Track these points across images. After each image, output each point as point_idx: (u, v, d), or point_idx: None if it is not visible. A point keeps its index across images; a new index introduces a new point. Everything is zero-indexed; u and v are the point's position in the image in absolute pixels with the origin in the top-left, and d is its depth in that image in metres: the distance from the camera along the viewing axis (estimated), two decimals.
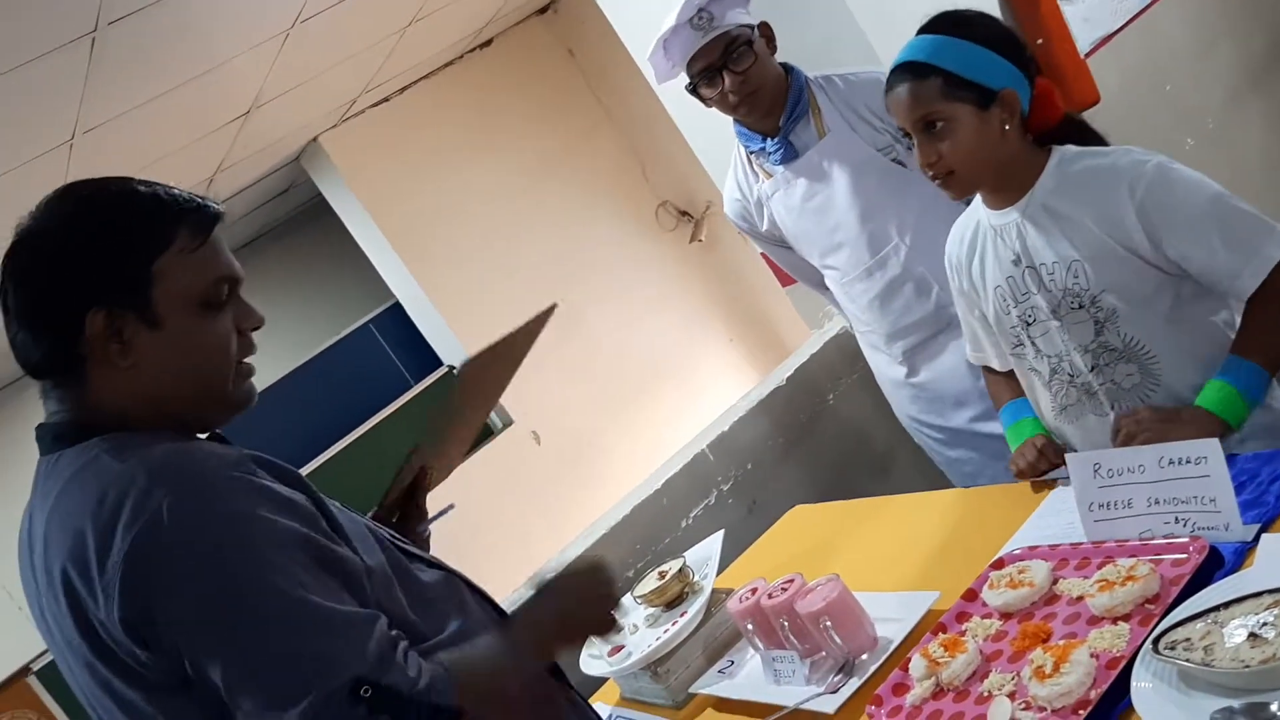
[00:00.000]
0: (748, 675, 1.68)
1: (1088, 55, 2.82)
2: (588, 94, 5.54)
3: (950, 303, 1.87)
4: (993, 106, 1.53)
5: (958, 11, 1.59)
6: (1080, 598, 1.33)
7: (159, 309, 1.11)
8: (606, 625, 1.28)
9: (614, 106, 5.51)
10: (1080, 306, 1.58)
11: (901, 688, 1.37)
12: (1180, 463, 1.33)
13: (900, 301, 2.22)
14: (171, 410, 1.13)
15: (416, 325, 5.36)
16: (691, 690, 1.74)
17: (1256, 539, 1.28)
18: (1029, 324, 1.65)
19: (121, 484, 1.03)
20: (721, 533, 2.00)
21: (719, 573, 1.94)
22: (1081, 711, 1.14)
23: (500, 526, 4.71)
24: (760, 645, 1.62)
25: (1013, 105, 1.54)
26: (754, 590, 1.65)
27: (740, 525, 2.50)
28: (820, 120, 2.17)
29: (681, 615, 1.81)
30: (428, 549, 1.41)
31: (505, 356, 1.40)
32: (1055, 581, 1.40)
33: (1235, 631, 1.06)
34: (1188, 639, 1.10)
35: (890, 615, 1.55)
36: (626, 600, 2.00)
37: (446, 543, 1.52)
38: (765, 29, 2.15)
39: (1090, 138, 1.63)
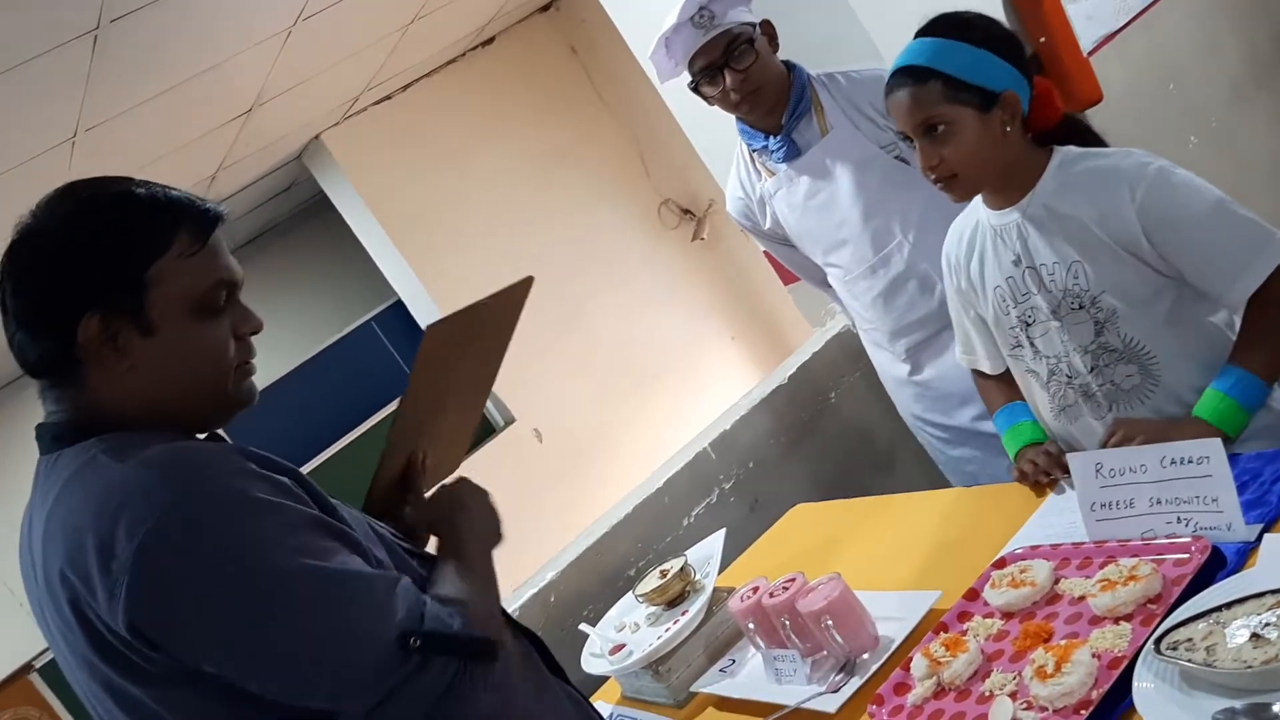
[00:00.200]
0: (749, 674, 1.67)
1: (1091, 53, 2.81)
2: (590, 92, 5.53)
3: None
4: (994, 109, 1.52)
5: (957, 13, 1.59)
6: (1082, 597, 1.33)
7: (154, 314, 1.10)
8: (500, 528, 1.33)
9: (616, 104, 5.51)
10: (1080, 307, 1.58)
11: (903, 687, 1.37)
12: (1182, 462, 1.33)
13: (903, 299, 2.22)
14: (169, 412, 1.13)
15: (419, 323, 5.36)
16: (693, 689, 1.74)
17: (1259, 539, 1.27)
18: (1028, 324, 1.65)
19: (122, 485, 1.03)
20: (723, 531, 2.00)
21: (720, 571, 1.94)
22: (1083, 711, 1.14)
23: (502, 524, 4.71)
24: (761, 644, 1.62)
25: (1014, 107, 1.53)
26: (755, 589, 1.65)
27: (742, 524, 2.50)
28: (823, 118, 2.17)
29: (683, 614, 1.81)
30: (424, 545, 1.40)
31: (482, 328, 1.35)
32: (1057, 581, 1.39)
33: (1237, 632, 1.06)
34: (1190, 639, 1.09)
35: (892, 614, 1.55)
36: (628, 599, 2.00)
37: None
38: (767, 27, 2.15)
39: (1090, 138, 1.63)
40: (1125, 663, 1.16)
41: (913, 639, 1.48)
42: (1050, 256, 1.57)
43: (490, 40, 5.27)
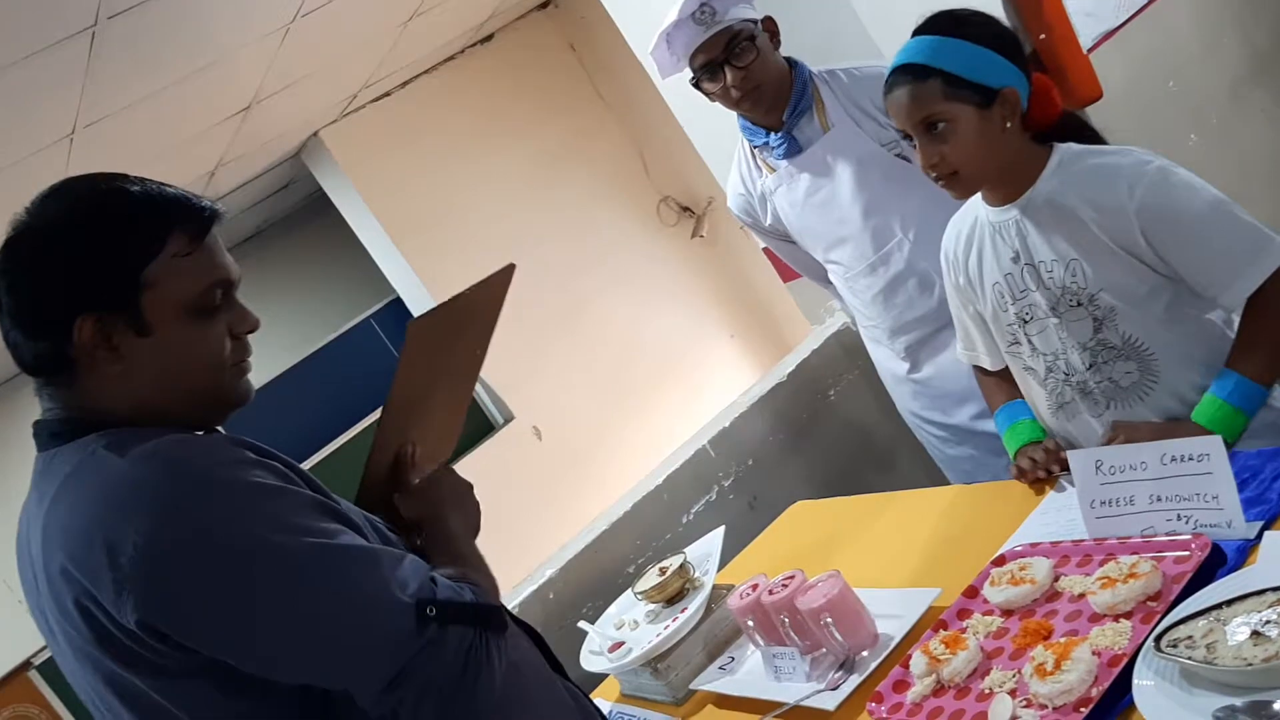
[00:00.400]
0: (748, 672, 1.67)
1: (1090, 50, 2.81)
2: (589, 89, 5.53)
3: None
4: (993, 105, 1.52)
5: (955, 11, 1.58)
6: (1082, 595, 1.33)
7: (149, 315, 1.09)
8: (477, 518, 1.33)
9: (616, 102, 5.51)
10: (1079, 304, 1.57)
11: (902, 685, 1.37)
12: (1183, 460, 1.33)
13: (903, 297, 2.21)
14: (164, 410, 1.12)
15: None
16: (692, 687, 1.74)
17: (1259, 536, 1.27)
18: (1026, 321, 1.65)
19: (124, 480, 1.03)
20: (722, 529, 2.00)
21: (720, 569, 1.94)
22: (1083, 709, 1.14)
23: (501, 522, 4.69)
24: (761, 642, 1.62)
25: (1013, 103, 1.53)
26: (755, 586, 1.64)
27: (741, 521, 2.50)
28: (824, 115, 2.17)
29: (682, 612, 1.81)
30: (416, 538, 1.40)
31: (466, 319, 1.35)
32: (1057, 579, 1.39)
33: (1238, 629, 1.06)
34: (1190, 637, 1.09)
35: (891, 612, 1.55)
36: (627, 596, 2.00)
37: None
38: (769, 24, 2.14)
39: (1088, 135, 1.63)
40: (1125, 660, 1.16)
41: (912, 636, 1.48)
42: (1048, 254, 1.57)
43: (489, 37, 5.27)
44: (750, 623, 1.63)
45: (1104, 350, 1.59)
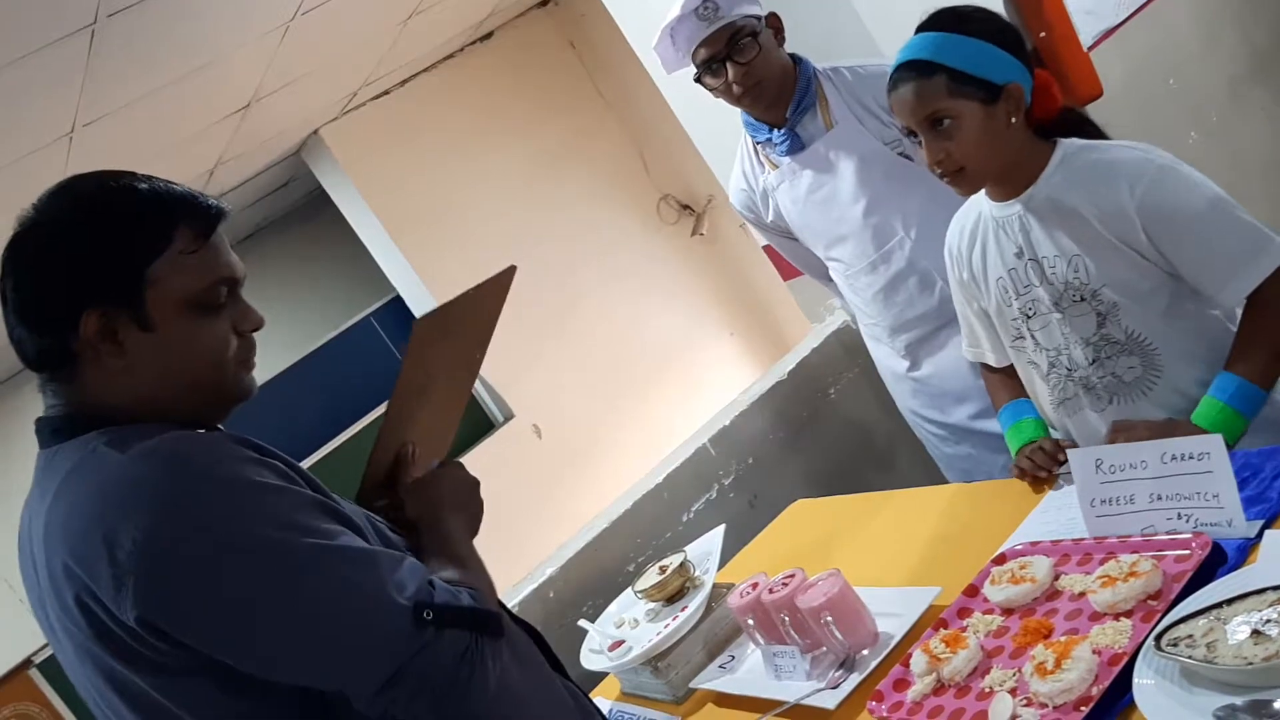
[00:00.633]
0: (749, 670, 1.67)
1: (1091, 48, 2.81)
2: (589, 87, 5.52)
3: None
4: (998, 101, 1.52)
5: (958, 7, 1.58)
6: (1082, 594, 1.33)
7: (154, 312, 1.10)
8: (481, 512, 1.34)
9: (615, 100, 5.50)
10: (1081, 300, 1.58)
11: (902, 683, 1.37)
12: (1183, 458, 1.33)
13: (904, 295, 2.21)
14: (168, 407, 1.12)
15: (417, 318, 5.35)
16: (692, 685, 1.74)
17: (1260, 535, 1.27)
18: (1030, 316, 1.65)
19: (124, 476, 1.03)
20: (723, 527, 2.00)
21: (720, 567, 1.94)
22: (1083, 708, 1.14)
23: (501, 520, 4.69)
24: (761, 640, 1.62)
25: (1018, 99, 1.53)
26: (755, 585, 1.65)
27: (741, 520, 2.50)
28: (828, 112, 2.16)
29: (682, 610, 1.81)
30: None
31: (468, 319, 1.36)
32: (1057, 577, 1.39)
33: (1238, 628, 1.06)
34: (1190, 635, 1.09)
35: (891, 610, 1.55)
36: (627, 595, 2.00)
37: None
38: (774, 20, 2.14)
39: (1089, 130, 1.63)
40: (1126, 659, 1.16)
41: (912, 635, 1.48)
42: (1051, 249, 1.57)
43: (489, 35, 5.26)
44: (750, 621, 1.63)
45: (1107, 345, 1.59)
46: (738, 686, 1.65)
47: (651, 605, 1.91)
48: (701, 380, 5.44)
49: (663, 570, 1.91)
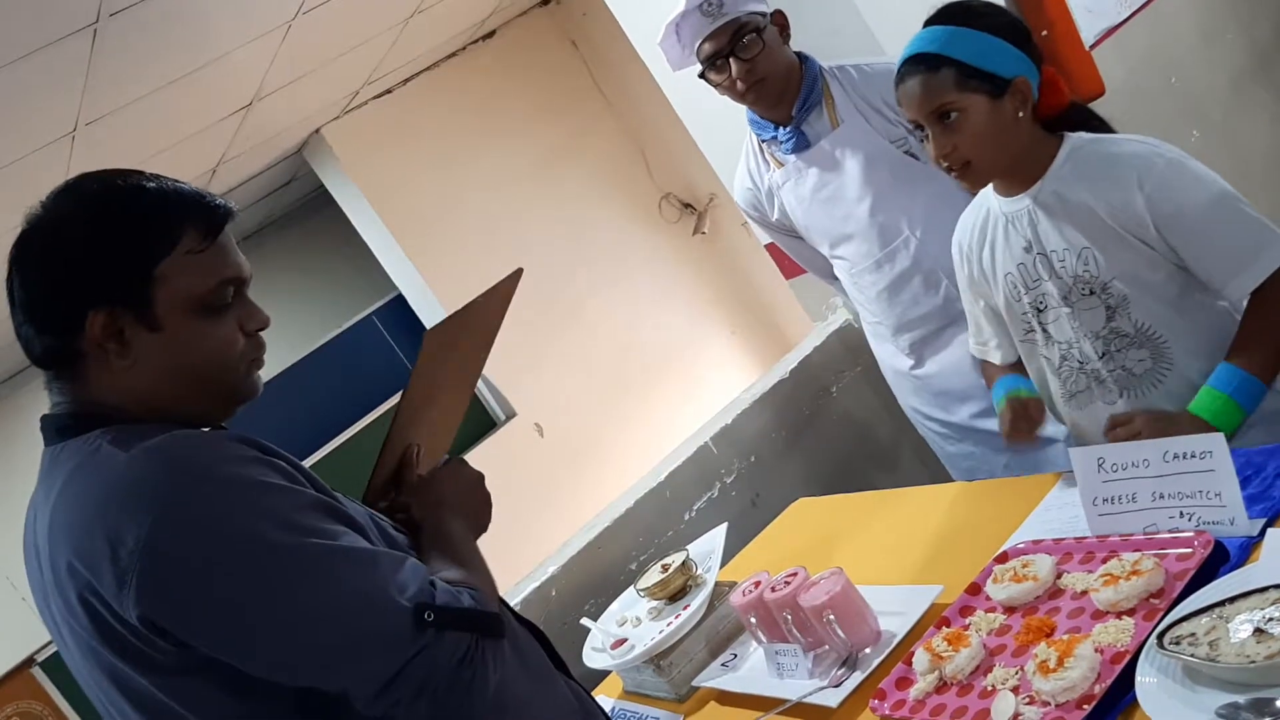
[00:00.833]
0: (751, 669, 1.68)
1: (1093, 47, 2.81)
2: (591, 86, 5.52)
3: (958, 297, 1.87)
4: (1005, 95, 1.52)
5: (965, 1, 1.58)
6: (1084, 592, 1.33)
7: (160, 311, 1.10)
8: (489, 516, 1.34)
9: (617, 99, 5.50)
10: (1091, 293, 1.57)
11: (905, 681, 1.37)
12: (1185, 457, 1.33)
13: (908, 294, 2.21)
14: (173, 405, 1.13)
15: (419, 317, 5.35)
16: (694, 684, 1.74)
17: (1262, 533, 1.27)
18: (1040, 310, 1.65)
19: (128, 474, 1.04)
20: (725, 526, 2.00)
21: (722, 566, 1.94)
22: (1085, 706, 1.14)
23: (502, 519, 4.68)
24: (763, 639, 1.62)
25: (1025, 93, 1.53)
26: (757, 584, 1.65)
27: (743, 518, 2.50)
28: (833, 110, 2.16)
29: (684, 609, 1.82)
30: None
31: (475, 324, 1.37)
32: (1059, 576, 1.39)
33: (1240, 627, 1.06)
34: (1193, 634, 1.09)
35: (894, 609, 1.55)
36: (629, 593, 2.00)
37: None
38: (779, 17, 2.13)
39: (1097, 124, 1.63)
40: (1128, 658, 1.16)
41: (915, 633, 1.48)
42: (1060, 243, 1.57)
43: (490, 34, 5.26)
44: (753, 620, 1.63)
45: (1117, 338, 1.59)
46: (740, 685, 1.65)
47: (654, 603, 1.91)
48: (703, 379, 5.44)
49: (665, 569, 1.91)
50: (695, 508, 2.57)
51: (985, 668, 1.31)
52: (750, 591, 1.64)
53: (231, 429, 1.18)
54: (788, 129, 2.18)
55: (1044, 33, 2.63)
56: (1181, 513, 1.34)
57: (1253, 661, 1.01)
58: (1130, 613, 1.24)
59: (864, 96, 2.15)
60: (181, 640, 1.03)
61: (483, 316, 1.38)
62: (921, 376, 2.32)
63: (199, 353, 1.13)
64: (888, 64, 2.16)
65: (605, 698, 1.92)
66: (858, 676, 1.46)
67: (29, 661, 4.84)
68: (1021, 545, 1.50)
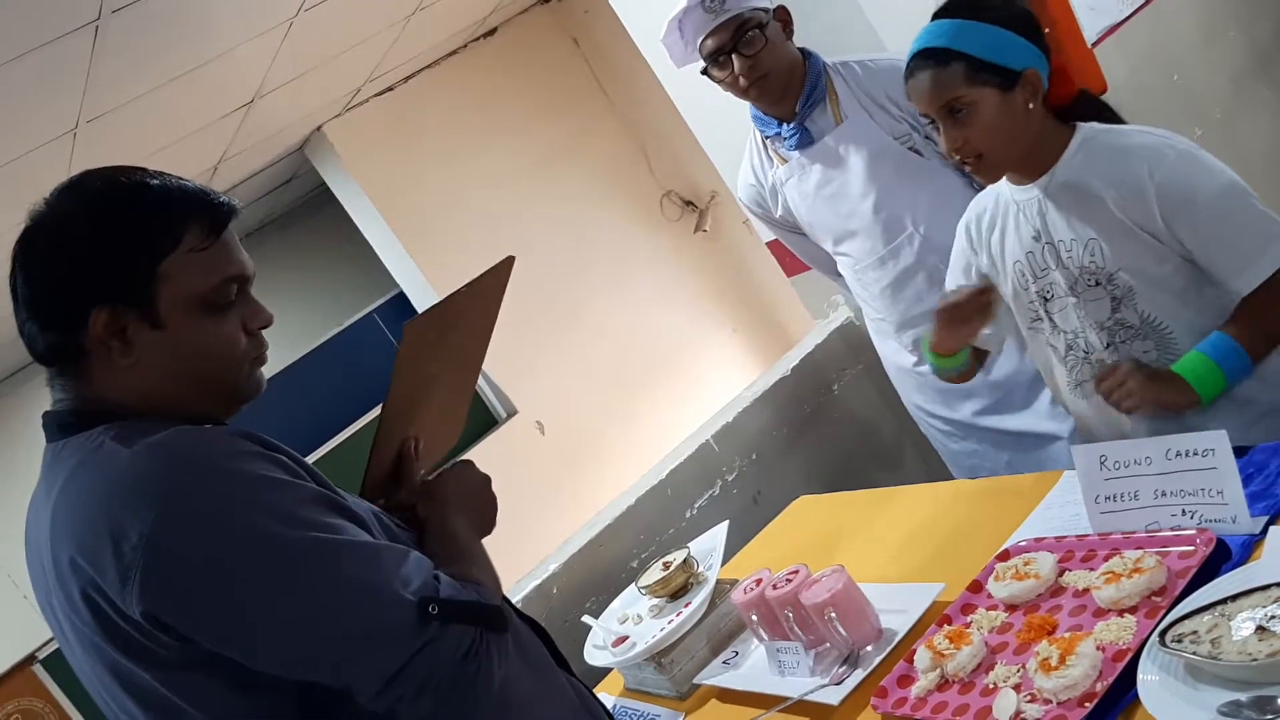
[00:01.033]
0: (752, 666, 1.68)
1: (1095, 44, 2.80)
2: (592, 83, 5.51)
3: None
4: (1016, 88, 1.52)
5: None
6: (1086, 590, 1.33)
7: (163, 309, 1.10)
8: (494, 518, 1.33)
9: (619, 96, 5.49)
10: (1097, 284, 1.57)
11: (906, 679, 1.37)
12: (1187, 455, 1.33)
13: (912, 291, 2.21)
14: (176, 403, 1.13)
15: None
16: (696, 681, 1.74)
17: (1264, 531, 1.27)
18: (1047, 300, 1.65)
19: (131, 470, 1.04)
20: (726, 523, 2.00)
21: (723, 564, 1.94)
22: (1087, 704, 1.14)
23: (504, 516, 4.68)
24: (765, 636, 1.62)
25: (1036, 84, 1.53)
26: (759, 581, 1.65)
27: (745, 516, 2.50)
28: (837, 106, 2.16)
29: (686, 606, 1.82)
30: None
31: (464, 314, 1.36)
32: (1061, 574, 1.39)
33: (1243, 624, 1.06)
34: (1195, 632, 1.09)
35: (895, 607, 1.55)
36: (631, 591, 2.00)
37: None
38: (782, 13, 2.13)
39: (1107, 114, 1.63)
40: (1130, 655, 1.16)
41: (916, 631, 1.48)
42: (1068, 233, 1.57)
43: (492, 32, 5.26)
44: (754, 617, 1.63)
45: (1122, 329, 1.59)
46: (741, 682, 1.65)
47: (655, 601, 1.91)
48: (704, 377, 5.44)
49: (666, 566, 1.91)
50: (696, 505, 2.57)
51: (987, 665, 1.31)
52: (751, 589, 1.64)
53: (234, 425, 1.18)
54: (791, 125, 2.18)
55: (1046, 30, 2.63)
56: (1184, 510, 1.34)
57: (1255, 659, 1.01)
58: (1132, 610, 1.24)
59: (868, 92, 2.15)
60: (184, 635, 1.03)
61: (475, 305, 1.37)
62: (924, 373, 2.32)
63: (202, 350, 1.13)
64: (891, 60, 2.15)
65: (607, 695, 1.92)
66: (859, 674, 1.46)
67: (30, 659, 4.84)
68: (1023, 543, 1.50)
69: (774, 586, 1.59)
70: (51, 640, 4.37)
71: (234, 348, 1.15)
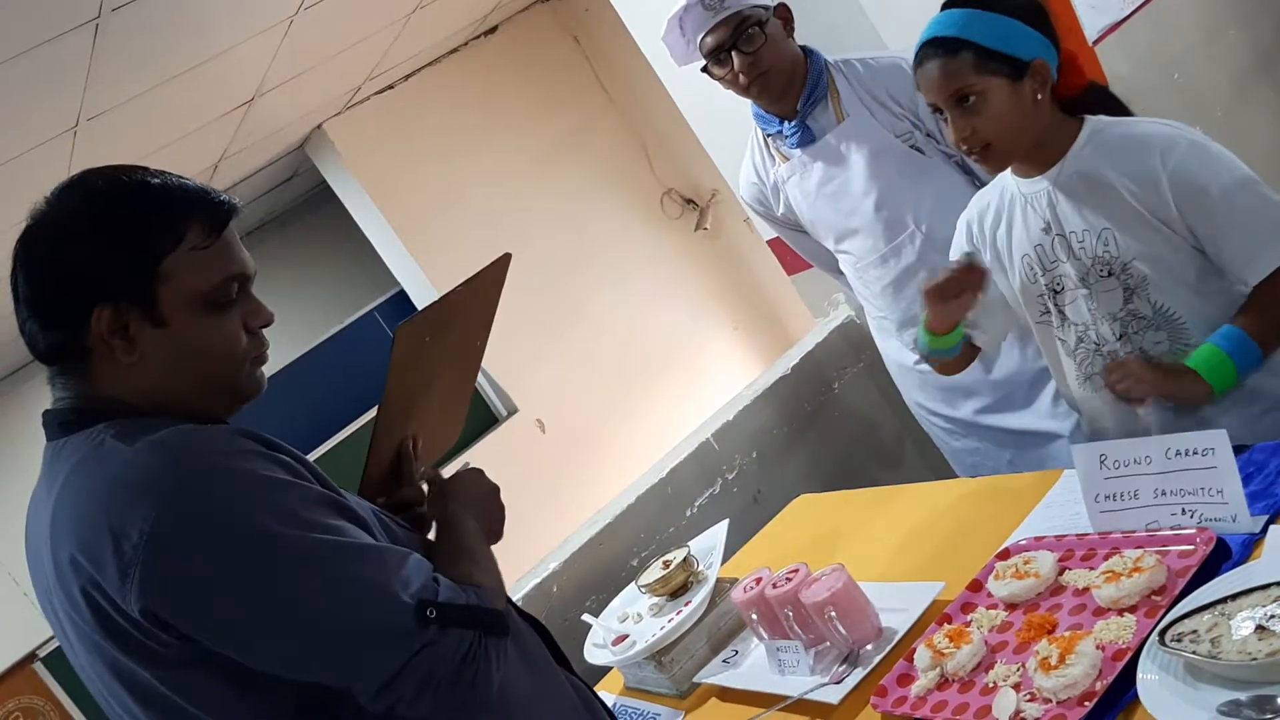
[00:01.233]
0: (752, 665, 1.68)
1: (1095, 43, 2.80)
2: (593, 81, 5.51)
3: None
4: (1025, 77, 1.52)
5: None
6: (1086, 589, 1.32)
7: (165, 307, 1.11)
8: (502, 523, 1.33)
9: (619, 94, 5.49)
10: (1110, 274, 1.57)
11: (906, 678, 1.37)
12: (1187, 454, 1.33)
13: (913, 289, 2.19)
14: (177, 401, 1.13)
15: None
16: (695, 680, 1.74)
17: (1264, 530, 1.27)
18: (1057, 292, 1.65)
19: (130, 469, 1.04)
20: (726, 522, 2.00)
21: (723, 562, 1.94)
22: (1087, 703, 1.14)
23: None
24: (764, 635, 1.62)
25: (1044, 75, 1.53)
26: (758, 580, 1.65)
27: (745, 514, 2.50)
28: (839, 104, 2.16)
29: (686, 605, 1.82)
30: (428, 531, 1.41)
31: (461, 312, 1.37)
32: (1061, 573, 1.39)
33: (1242, 624, 1.06)
34: (1194, 631, 1.09)
35: (895, 605, 1.55)
36: (631, 589, 2.00)
37: None
38: (783, 10, 2.13)
39: (1115, 106, 1.62)
40: (1130, 654, 1.16)
41: (916, 630, 1.48)
42: (1080, 224, 1.57)
43: (493, 30, 5.25)
44: (754, 616, 1.63)
45: (1134, 320, 1.59)
46: (741, 681, 1.65)
47: (655, 600, 1.91)
48: (705, 375, 5.44)
49: (666, 565, 1.91)
50: (697, 504, 2.57)
51: (987, 664, 1.31)
52: (751, 588, 1.64)
53: (235, 424, 1.18)
54: (793, 123, 2.18)
55: None
56: (1184, 509, 1.34)
57: (1254, 659, 1.01)
58: (1132, 610, 1.24)
59: (869, 90, 2.14)
60: (184, 634, 1.03)
61: (472, 303, 1.37)
62: (926, 372, 2.31)
63: (203, 349, 1.13)
64: (893, 58, 2.15)
65: (607, 694, 1.92)
66: (859, 673, 1.46)
67: (31, 657, 4.84)
68: (1023, 542, 1.50)
69: (774, 585, 1.59)
70: (52, 638, 4.37)
71: (235, 346, 1.15)
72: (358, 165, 4.89)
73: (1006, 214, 1.67)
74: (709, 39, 2.08)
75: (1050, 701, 1.18)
